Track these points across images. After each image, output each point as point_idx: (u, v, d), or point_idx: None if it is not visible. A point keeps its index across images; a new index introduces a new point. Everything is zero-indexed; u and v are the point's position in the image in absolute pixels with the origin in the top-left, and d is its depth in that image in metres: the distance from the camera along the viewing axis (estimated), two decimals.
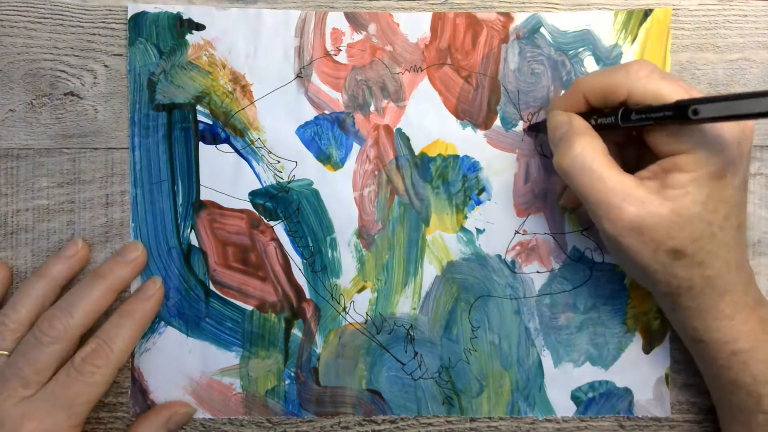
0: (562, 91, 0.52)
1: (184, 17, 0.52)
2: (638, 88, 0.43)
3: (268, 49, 0.52)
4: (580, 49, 0.52)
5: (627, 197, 0.42)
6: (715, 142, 0.42)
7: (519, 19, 0.52)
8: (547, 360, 0.53)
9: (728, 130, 0.42)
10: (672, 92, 0.42)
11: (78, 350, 0.47)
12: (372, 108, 0.52)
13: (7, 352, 0.47)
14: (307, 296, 0.52)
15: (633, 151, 0.48)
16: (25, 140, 0.52)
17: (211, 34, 0.52)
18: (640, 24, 0.52)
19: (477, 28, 0.52)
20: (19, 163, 0.52)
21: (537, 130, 0.52)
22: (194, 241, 0.52)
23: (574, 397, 0.52)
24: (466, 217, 0.53)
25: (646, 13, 0.52)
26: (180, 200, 0.52)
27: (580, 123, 0.46)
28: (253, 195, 0.52)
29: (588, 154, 0.43)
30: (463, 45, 0.52)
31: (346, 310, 0.53)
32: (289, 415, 0.52)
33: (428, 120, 0.52)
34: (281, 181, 0.52)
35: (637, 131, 0.46)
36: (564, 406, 0.53)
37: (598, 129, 0.46)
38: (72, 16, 0.52)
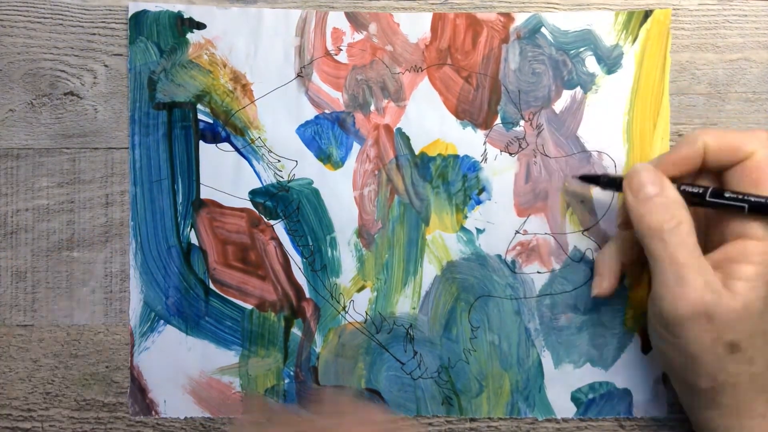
0: (563, 91, 0.52)
1: (185, 16, 0.52)
2: (759, 156, 0.43)
3: (269, 49, 0.52)
4: (582, 49, 0.52)
5: (706, 283, 0.42)
6: None
7: (519, 19, 0.52)
8: (547, 360, 0.53)
9: None
10: None
11: None
12: (372, 108, 0.52)
13: None
14: (307, 295, 0.52)
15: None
16: (25, 140, 0.52)
17: (211, 33, 0.52)
18: (641, 24, 0.52)
19: (477, 28, 0.52)
20: (19, 163, 0.52)
21: (592, 182, 0.51)
22: (194, 240, 0.52)
23: (574, 398, 0.52)
24: (466, 217, 0.53)
25: (647, 14, 0.52)
26: (180, 199, 0.52)
27: (673, 189, 0.45)
28: (253, 194, 0.52)
29: (684, 231, 0.43)
30: (463, 45, 0.52)
31: (346, 309, 0.52)
32: None
33: (428, 120, 0.52)
34: (281, 180, 0.52)
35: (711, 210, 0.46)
36: (564, 407, 0.53)
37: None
38: (72, 16, 0.52)
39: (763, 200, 0.42)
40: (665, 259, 0.43)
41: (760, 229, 0.42)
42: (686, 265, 0.42)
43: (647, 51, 0.52)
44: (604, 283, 0.50)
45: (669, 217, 0.43)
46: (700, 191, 0.45)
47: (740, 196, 0.43)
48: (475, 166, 0.52)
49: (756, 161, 0.44)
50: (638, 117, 0.52)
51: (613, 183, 0.49)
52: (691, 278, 0.42)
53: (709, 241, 0.47)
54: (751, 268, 0.42)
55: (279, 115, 0.52)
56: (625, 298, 0.52)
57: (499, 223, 0.53)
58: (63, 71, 0.52)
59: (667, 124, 0.52)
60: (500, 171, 0.53)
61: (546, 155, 0.52)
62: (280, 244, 0.52)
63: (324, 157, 0.52)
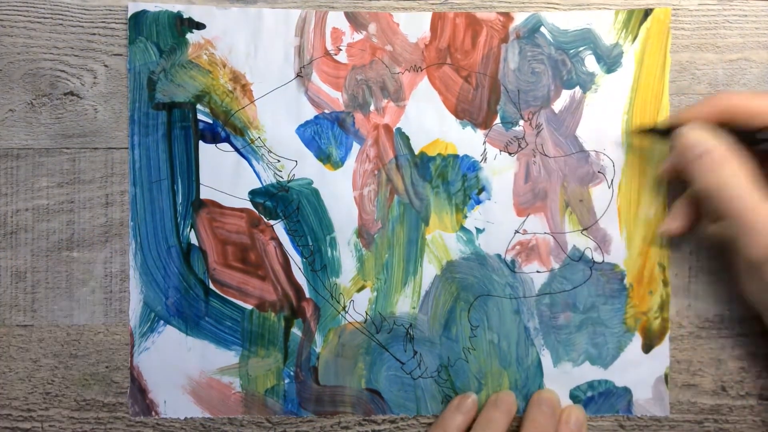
0: (563, 91, 0.52)
1: (185, 16, 0.52)
2: None
3: (269, 49, 0.52)
4: (581, 48, 0.52)
5: None
6: None
7: (519, 18, 0.52)
8: (546, 359, 0.53)
9: None
10: None
11: None
12: (372, 107, 0.52)
13: None
14: (307, 295, 0.52)
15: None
16: (25, 140, 0.52)
17: (211, 33, 0.52)
18: (641, 23, 0.52)
19: (477, 27, 0.52)
20: (18, 163, 0.52)
21: (661, 133, 0.51)
22: (194, 240, 0.52)
23: (573, 396, 0.52)
24: (465, 217, 0.53)
25: (647, 13, 0.52)
26: (180, 199, 0.52)
27: (725, 143, 0.46)
28: (253, 194, 0.52)
29: (740, 179, 0.45)
30: (462, 45, 0.52)
31: (346, 309, 0.53)
32: (288, 414, 0.52)
33: (428, 119, 0.52)
34: (281, 180, 0.52)
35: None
36: (563, 405, 0.53)
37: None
38: (72, 16, 0.52)
39: None
40: (734, 211, 0.45)
41: None
42: (748, 213, 0.44)
43: (647, 50, 0.52)
44: (674, 223, 0.51)
45: (721, 172, 0.45)
46: (750, 133, 0.46)
47: None
48: (474, 166, 0.53)
49: None
50: (638, 116, 0.52)
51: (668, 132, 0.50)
52: (758, 224, 0.43)
53: None
54: None
55: (279, 115, 0.52)
56: (625, 297, 0.52)
57: (498, 223, 0.53)
58: (63, 71, 0.52)
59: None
60: (500, 171, 0.53)
61: (545, 155, 0.53)
62: (280, 244, 0.52)
63: (324, 157, 0.52)
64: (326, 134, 0.52)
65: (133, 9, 0.52)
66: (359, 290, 0.53)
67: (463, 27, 0.52)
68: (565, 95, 0.52)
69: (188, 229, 0.52)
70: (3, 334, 0.52)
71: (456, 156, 0.52)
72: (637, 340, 0.52)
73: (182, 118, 0.52)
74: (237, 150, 0.52)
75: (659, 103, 0.52)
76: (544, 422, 0.50)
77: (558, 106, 0.52)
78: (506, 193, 0.53)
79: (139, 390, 0.52)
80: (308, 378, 0.52)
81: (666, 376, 0.52)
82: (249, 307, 0.52)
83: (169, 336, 0.52)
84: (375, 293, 0.53)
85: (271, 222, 0.52)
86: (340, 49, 0.52)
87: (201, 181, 0.52)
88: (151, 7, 0.52)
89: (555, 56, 0.52)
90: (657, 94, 0.52)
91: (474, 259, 0.53)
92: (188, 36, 0.52)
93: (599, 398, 0.52)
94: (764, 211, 0.43)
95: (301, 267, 0.52)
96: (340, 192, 0.52)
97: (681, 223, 0.51)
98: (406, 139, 0.52)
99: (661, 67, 0.52)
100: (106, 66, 0.52)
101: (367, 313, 0.53)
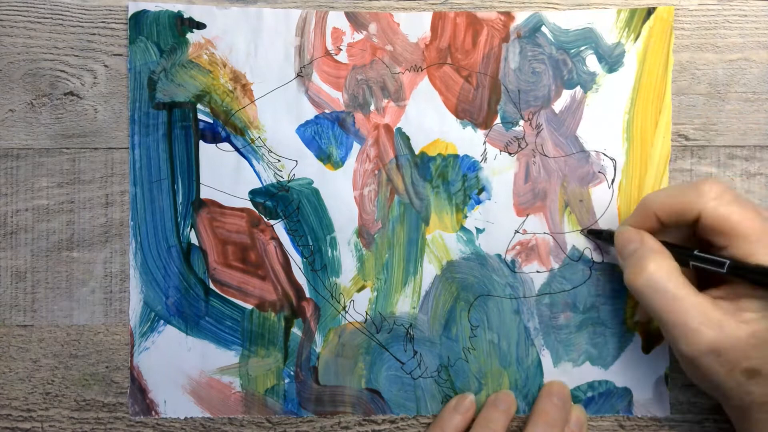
0: (563, 90, 0.52)
1: (185, 16, 0.52)
2: (709, 210, 0.44)
3: (269, 48, 0.52)
4: (582, 48, 0.52)
5: (704, 320, 0.42)
6: None
7: (520, 18, 0.52)
8: (546, 359, 0.53)
9: None
10: (742, 219, 0.43)
11: None
12: (372, 107, 0.52)
13: None
14: (307, 295, 0.52)
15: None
16: (25, 140, 0.52)
17: (211, 33, 0.52)
18: (643, 22, 0.52)
19: (477, 27, 0.52)
20: (18, 163, 0.52)
21: (597, 235, 0.52)
22: (194, 240, 0.52)
23: (573, 396, 0.52)
24: (465, 217, 0.53)
25: (650, 11, 0.52)
26: (180, 199, 0.52)
27: (652, 241, 0.46)
28: (253, 194, 0.52)
29: (662, 275, 0.44)
30: (463, 44, 0.52)
31: (346, 309, 0.53)
32: (289, 414, 0.52)
33: (428, 119, 0.52)
34: (281, 180, 0.52)
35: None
36: None
37: (669, 246, 0.47)
38: (72, 16, 0.52)
39: (734, 263, 0.43)
40: (660, 308, 0.44)
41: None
42: (680, 310, 0.43)
43: (650, 48, 0.52)
44: (646, 315, 0.52)
45: (648, 269, 0.45)
46: (685, 254, 0.46)
47: (718, 258, 0.44)
48: (474, 166, 0.53)
49: (707, 220, 0.44)
50: (639, 116, 0.52)
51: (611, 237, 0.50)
52: (688, 321, 0.43)
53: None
54: (756, 302, 0.42)
55: (279, 115, 0.52)
56: (625, 297, 0.52)
57: (498, 223, 0.53)
58: (63, 71, 0.52)
59: (669, 123, 0.52)
60: (500, 171, 0.53)
61: (545, 155, 0.52)
62: (280, 244, 0.52)
63: (324, 157, 0.52)
64: (326, 134, 0.52)
65: (133, 9, 0.52)
66: (359, 290, 0.53)
67: (463, 27, 0.52)
68: (566, 95, 0.52)
69: (188, 228, 0.52)
70: (3, 334, 0.52)
71: (456, 156, 0.52)
72: (637, 340, 0.52)
73: (182, 118, 0.52)
74: (237, 150, 0.52)
75: (661, 103, 0.52)
76: (555, 414, 0.50)
77: (558, 106, 0.52)
78: (506, 193, 0.53)
79: (139, 390, 0.52)
80: (308, 378, 0.52)
81: (666, 376, 0.52)
82: (249, 306, 0.52)
83: (169, 336, 0.52)
84: (375, 293, 0.53)
85: (272, 222, 0.52)
86: (341, 49, 0.52)
87: (201, 181, 0.52)
88: (152, 7, 0.52)
89: (556, 56, 0.52)
90: (659, 94, 0.52)
91: (474, 259, 0.53)
92: (188, 36, 0.52)
93: (599, 398, 0.52)
94: (692, 308, 0.43)
95: (301, 267, 0.52)
96: (341, 192, 0.52)
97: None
98: (406, 139, 0.52)
99: (663, 66, 0.52)
100: (106, 66, 0.52)
101: (367, 313, 0.53)
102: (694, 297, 0.43)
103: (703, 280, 0.47)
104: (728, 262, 0.43)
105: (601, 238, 0.52)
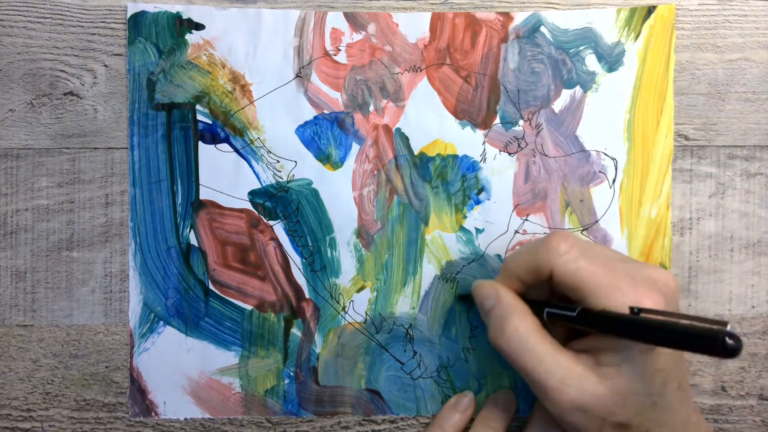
0: (563, 90, 0.52)
1: (184, 17, 0.52)
2: (558, 266, 0.43)
3: (268, 49, 0.52)
4: (582, 48, 0.52)
5: (565, 378, 0.42)
6: None
7: (519, 18, 0.52)
8: None
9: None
10: (590, 273, 0.42)
11: None
12: (371, 108, 0.52)
13: None
14: (307, 296, 0.52)
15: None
16: (25, 140, 0.52)
17: (210, 34, 0.52)
18: (644, 21, 0.52)
19: (476, 27, 0.52)
20: (18, 163, 0.52)
21: (466, 300, 0.52)
22: (193, 241, 0.52)
23: None
24: (465, 217, 0.53)
25: (650, 10, 0.52)
26: (179, 200, 0.52)
27: (508, 297, 0.46)
28: (253, 194, 0.52)
29: (522, 334, 0.44)
30: (462, 45, 0.52)
31: (346, 309, 0.53)
32: (288, 414, 0.52)
33: (427, 120, 0.52)
34: (281, 180, 0.52)
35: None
36: None
37: (527, 301, 0.46)
38: (72, 16, 0.52)
39: (583, 310, 0.42)
40: (522, 368, 0.43)
41: None
42: (541, 369, 0.42)
43: (650, 47, 0.52)
44: None
45: (507, 327, 0.44)
46: (540, 307, 0.45)
47: (567, 309, 0.43)
48: (474, 166, 0.52)
49: (558, 277, 0.44)
50: (640, 115, 0.52)
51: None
52: (549, 379, 0.42)
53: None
54: (614, 355, 0.42)
55: (278, 116, 0.52)
56: None
57: (498, 223, 0.53)
58: (63, 71, 0.52)
59: (671, 121, 0.52)
60: (499, 171, 0.52)
61: (545, 155, 0.52)
62: (279, 245, 0.52)
63: (323, 158, 0.52)
64: (326, 135, 0.52)
65: (132, 10, 0.52)
66: (359, 290, 0.53)
67: (462, 27, 0.52)
68: (566, 95, 0.52)
69: (188, 229, 0.52)
70: (3, 334, 0.52)
71: (455, 156, 0.52)
72: None
73: (182, 119, 0.52)
74: (236, 150, 0.52)
75: (662, 102, 0.52)
76: None
77: (558, 105, 0.52)
78: (506, 193, 0.53)
79: (138, 391, 0.52)
80: (308, 378, 0.52)
81: None
82: (249, 307, 0.52)
83: (169, 337, 0.52)
84: (375, 293, 0.53)
85: (271, 222, 0.52)
86: (340, 50, 0.52)
87: (200, 182, 0.52)
88: (150, 8, 0.52)
89: (555, 56, 0.52)
90: (660, 93, 0.52)
91: (473, 259, 0.53)
92: (187, 36, 0.52)
93: None
94: (553, 365, 0.42)
95: (301, 267, 0.52)
96: (340, 192, 0.52)
97: None
98: (405, 139, 0.52)
99: (664, 65, 0.52)
100: (106, 66, 0.52)
101: (366, 314, 0.53)
102: (554, 354, 0.43)
103: (573, 333, 0.47)
104: (578, 309, 0.42)
105: (468, 300, 0.51)
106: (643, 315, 0.39)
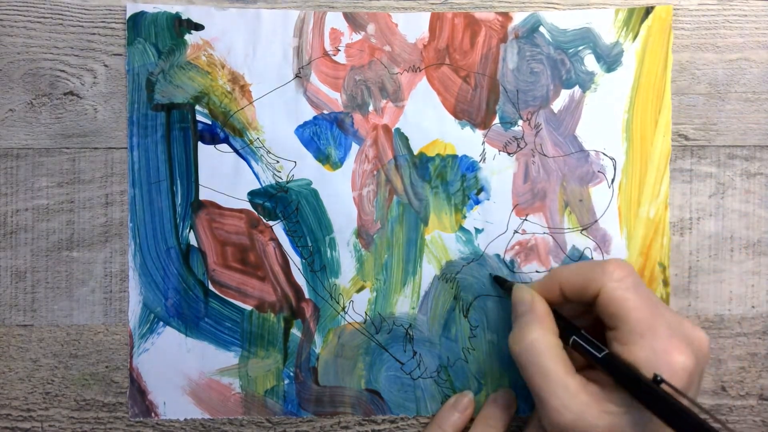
0: (562, 90, 0.52)
1: (183, 17, 0.52)
2: (607, 290, 0.44)
3: (267, 49, 0.52)
4: (580, 48, 0.52)
5: (568, 403, 0.42)
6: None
7: (518, 18, 0.52)
8: None
9: (677, 361, 0.41)
10: (635, 307, 0.43)
11: None
12: (371, 108, 0.52)
13: None
14: (306, 296, 0.52)
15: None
16: (25, 140, 0.52)
17: (210, 34, 0.52)
18: (642, 21, 0.52)
19: (475, 27, 0.52)
20: (18, 162, 0.52)
21: (501, 284, 0.52)
22: (193, 241, 0.52)
23: None
24: (464, 217, 0.53)
25: (648, 11, 0.52)
26: (179, 200, 0.52)
27: (542, 308, 0.46)
28: (252, 195, 0.52)
29: (540, 348, 0.44)
30: (461, 45, 0.52)
31: (345, 309, 0.53)
32: (288, 414, 0.52)
33: (427, 120, 0.52)
34: (280, 180, 0.52)
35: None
36: None
37: (559, 318, 0.47)
38: (72, 16, 0.52)
39: (610, 358, 0.42)
40: (529, 379, 0.44)
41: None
42: (547, 387, 0.43)
43: (648, 48, 0.52)
44: None
45: (530, 337, 0.44)
46: (567, 331, 0.46)
47: (592, 349, 0.44)
48: (473, 166, 0.52)
49: (604, 299, 0.44)
50: (638, 115, 0.52)
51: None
52: (551, 399, 0.42)
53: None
54: (626, 398, 0.42)
55: (277, 116, 0.52)
56: None
57: (497, 223, 0.53)
58: (63, 71, 0.52)
59: (669, 122, 0.52)
60: (499, 171, 0.52)
61: (544, 155, 0.52)
62: (279, 245, 0.52)
63: (323, 158, 0.52)
64: (325, 135, 0.52)
65: (131, 10, 0.52)
66: (359, 291, 0.53)
67: (461, 27, 0.52)
68: (565, 95, 0.52)
69: (187, 230, 0.52)
70: (3, 334, 0.52)
71: (455, 156, 0.52)
72: None
73: (181, 119, 0.52)
74: (236, 151, 0.52)
75: (661, 102, 0.52)
76: None
77: (557, 105, 0.52)
78: (505, 193, 0.53)
79: (138, 391, 0.52)
80: (308, 378, 0.52)
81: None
82: (248, 307, 0.52)
83: (169, 337, 0.52)
84: (374, 294, 0.53)
85: (271, 223, 0.52)
86: (339, 50, 0.52)
87: (200, 182, 0.52)
88: (150, 8, 0.52)
89: (554, 56, 0.52)
90: (659, 93, 0.52)
91: (473, 259, 0.53)
92: (187, 37, 0.52)
93: None
94: (559, 387, 0.42)
95: (301, 268, 0.52)
96: (340, 192, 0.52)
97: None
98: (405, 139, 0.52)
99: (662, 65, 0.52)
100: (105, 66, 0.52)
101: (366, 314, 0.53)
102: (564, 377, 0.43)
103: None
104: (605, 352, 0.43)
105: (504, 287, 0.52)
106: (663, 386, 0.39)
